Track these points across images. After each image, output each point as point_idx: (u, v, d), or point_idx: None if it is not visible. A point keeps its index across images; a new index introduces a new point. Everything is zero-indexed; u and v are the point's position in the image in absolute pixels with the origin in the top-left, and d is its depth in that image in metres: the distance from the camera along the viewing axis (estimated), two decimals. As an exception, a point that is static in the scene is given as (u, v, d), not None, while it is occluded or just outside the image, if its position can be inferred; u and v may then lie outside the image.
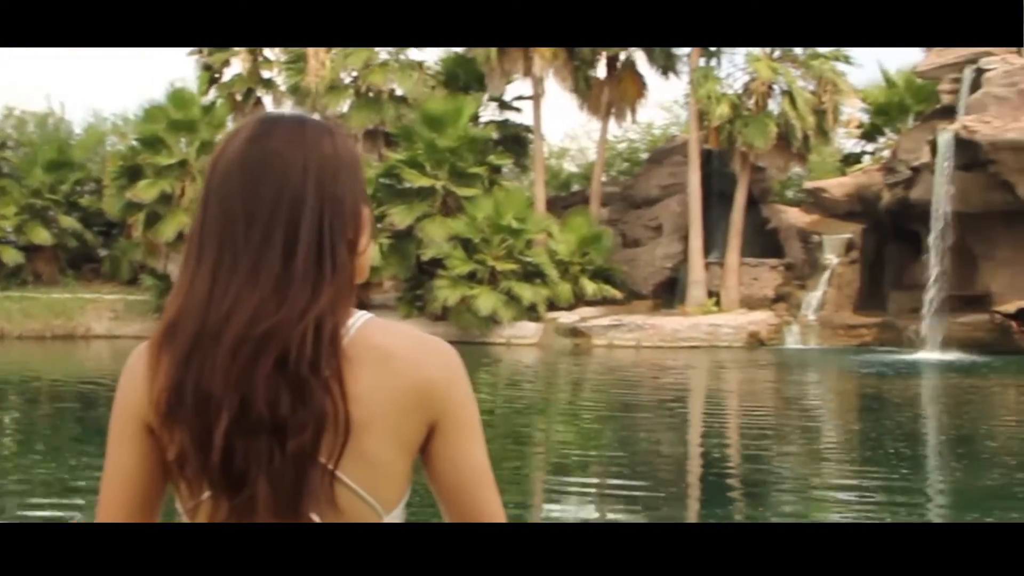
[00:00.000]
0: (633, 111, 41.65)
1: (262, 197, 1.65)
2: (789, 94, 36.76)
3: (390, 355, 1.67)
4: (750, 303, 36.87)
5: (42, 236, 41.59)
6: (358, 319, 1.69)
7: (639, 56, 40.93)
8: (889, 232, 36.87)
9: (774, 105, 37.37)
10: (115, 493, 1.75)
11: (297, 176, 1.66)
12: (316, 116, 1.83)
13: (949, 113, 33.82)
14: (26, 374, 25.95)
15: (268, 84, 44.29)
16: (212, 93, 43.33)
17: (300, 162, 1.67)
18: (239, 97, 43.46)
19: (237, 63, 43.52)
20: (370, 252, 1.79)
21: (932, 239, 32.26)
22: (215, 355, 1.60)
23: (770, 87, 37.20)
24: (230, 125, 40.78)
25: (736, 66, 39.93)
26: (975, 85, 32.15)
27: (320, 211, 1.66)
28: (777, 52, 37.80)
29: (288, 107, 42.08)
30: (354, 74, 41.03)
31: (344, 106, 41.11)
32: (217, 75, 44.11)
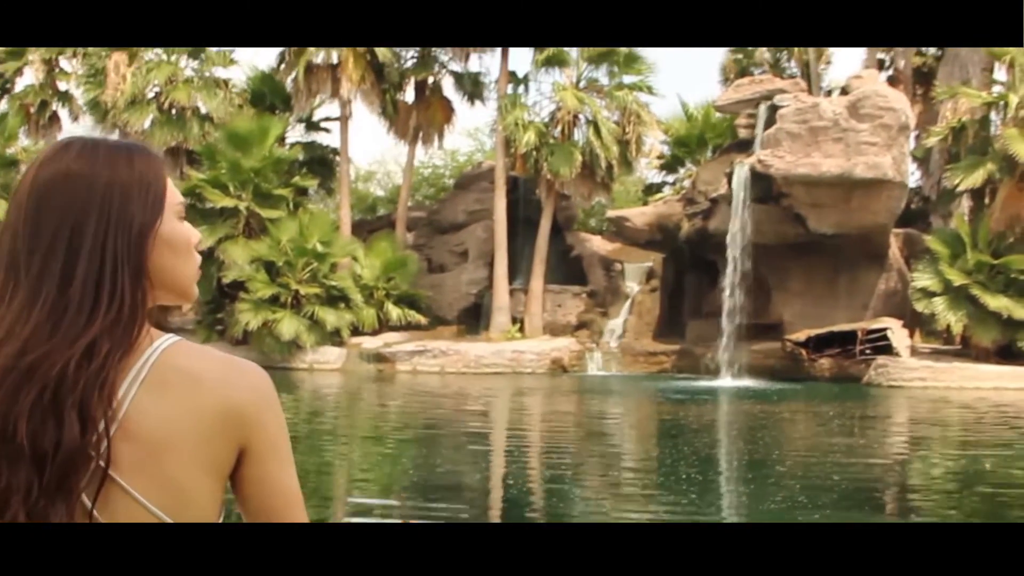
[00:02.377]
0: (440, 136, 41.80)
1: (44, 224, 1.62)
2: (594, 124, 37.41)
3: (198, 378, 1.64)
4: (553, 330, 37.29)
5: None
6: (164, 341, 1.66)
7: (447, 81, 41.12)
8: (688, 261, 37.83)
9: (580, 134, 37.96)
10: None
11: (81, 199, 1.63)
12: (116, 133, 1.74)
13: (746, 147, 34.95)
14: None
15: (65, 97, 42.61)
16: (3, 104, 41.51)
17: (86, 185, 1.64)
18: (33, 109, 41.69)
19: (30, 73, 41.80)
20: (190, 270, 1.77)
21: (728, 269, 33.24)
22: None
23: (576, 116, 37.77)
24: (23, 139, 39.28)
25: (543, 95, 40.49)
26: (770, 121, 33.29)
27: (103, 237, 1.62)
28: (583, 82, 38.47)
29: (86, 122, 40.71)
30: (156, 90, 39.83)
31: (146, 122, 39.80)
32: (9, 84, 42.28)
